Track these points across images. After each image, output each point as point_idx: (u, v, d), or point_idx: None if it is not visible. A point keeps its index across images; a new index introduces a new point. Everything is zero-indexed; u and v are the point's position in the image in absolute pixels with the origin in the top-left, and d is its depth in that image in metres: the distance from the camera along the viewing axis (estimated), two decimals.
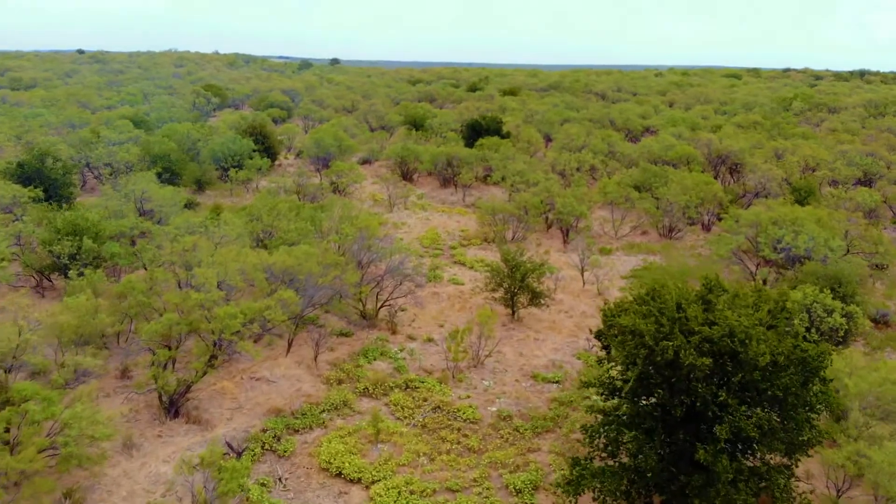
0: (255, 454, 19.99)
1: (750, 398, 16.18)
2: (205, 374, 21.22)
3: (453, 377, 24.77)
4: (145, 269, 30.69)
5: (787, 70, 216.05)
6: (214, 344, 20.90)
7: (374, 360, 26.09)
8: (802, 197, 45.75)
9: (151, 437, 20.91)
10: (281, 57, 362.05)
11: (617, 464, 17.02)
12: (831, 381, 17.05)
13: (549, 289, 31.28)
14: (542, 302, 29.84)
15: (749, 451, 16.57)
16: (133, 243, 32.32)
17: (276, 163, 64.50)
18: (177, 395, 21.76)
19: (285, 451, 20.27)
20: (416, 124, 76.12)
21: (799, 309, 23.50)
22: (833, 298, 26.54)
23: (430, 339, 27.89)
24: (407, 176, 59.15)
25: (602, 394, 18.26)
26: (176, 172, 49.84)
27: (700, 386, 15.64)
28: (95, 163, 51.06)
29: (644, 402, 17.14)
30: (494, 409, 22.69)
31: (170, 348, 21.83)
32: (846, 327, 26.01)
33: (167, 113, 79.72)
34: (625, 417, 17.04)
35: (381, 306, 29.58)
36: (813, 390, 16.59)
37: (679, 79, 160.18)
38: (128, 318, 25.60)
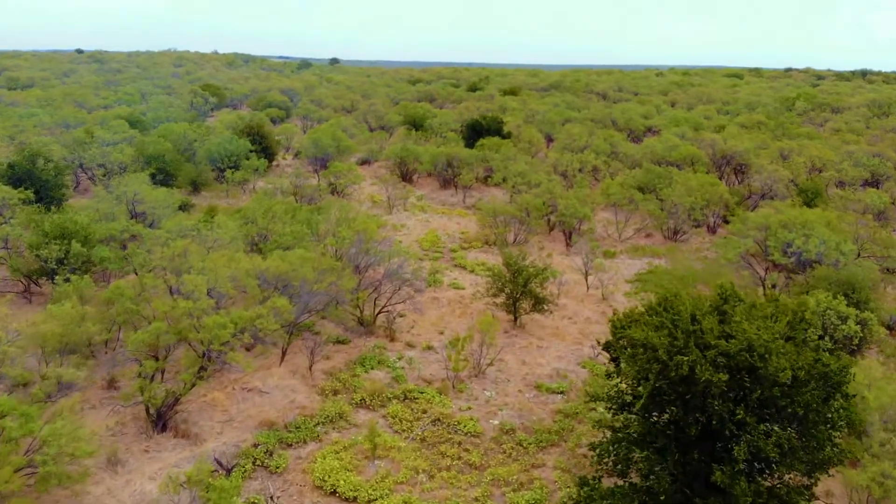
0: (245, 471, 19.06)
1: (769, 415, 15.24)
2: (193, 386, 20.28)
3: (453, 387, 23.83)
4: (136, 274, 29.79)
5: (788, 70, 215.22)
6: (203, 355, 19.94)
7: (372, 368, 25.16)
8: (809, 198, 44.84)
9: (138, 453, 19.97)
10: (281, 57, 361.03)
11: (627, 484, 16.08)
12: (854, 396, 16.10)
13: (553, 294, 30.34)
14: (546, 308, 28.90)
15: (767, 472, 15.62)
16: (124, 247, 31.37)
17: (274, 163, 63.54)
18: (164, 407, 20.82)
19: (277, 468, 19.34)
20: (416, 124, 75.18)
21: (816, 319, 22.53)
22: (846, 305, 25.66)
23: (429, 347, 26.94)
24: (406, 177, 58.22)
25: (611, 408, 17.33)
26: (170, 173, 48.89)
27: (716, 403, 14.69)
28: (89, 163, 50.11)
29: (656, 417, 16.20)
30: (497, 421, 21.74)
31: (157, 359, 20.90)
32: (861, 335, 25.10)
33: (164, 113, 78.77)
34: (635, 435, 16.08)
35: (379, 312, 28.65)
36: (834, 406, 15.66)
37: (680, 79, 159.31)
38: (116, 326, 24.72)
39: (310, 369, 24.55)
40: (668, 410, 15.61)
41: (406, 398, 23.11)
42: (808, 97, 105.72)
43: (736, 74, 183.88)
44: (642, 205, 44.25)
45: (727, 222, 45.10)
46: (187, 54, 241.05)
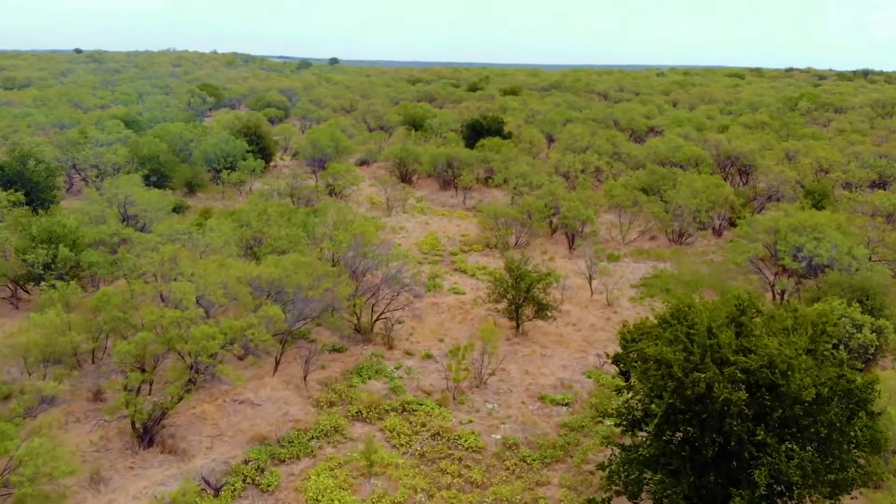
0: (234, 489, 18.10)
1: (789, 435, 14.31)
2: (181, 399, 19.33)
3: (454, 399, 22.88)
4: (126, 279, 28.85)
5: (789, 70, 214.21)
6: (191, 367, 19.00)
7: (369, 378, 24.20)
8: (817, 200, 43.91)
9: (122, 469, 19.01)
10: (280, 57, 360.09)
11: None
12: (879, 414, 15.16)
13: (556, 300, 29.38)
14: (549, 314, 27.95)
15: (788, 494, 14.69)
16: (114, 251, 30.42)
17: (272, 164, 62.60)
18: (151, 422, 19.87)
19: (269, 486, 18.38)
20: (416, 124, 74.22)
21: (838, 330, 21.54)
22: (861, 312, 24.71)
23: (428, 356, 25.99)
24: (406, 178, 57.28)
25: (620, 425, 16.42)
26: (165, 175, 47.92)
27: (735, 423, 13.78)
28: (82, 164, 49.14)
29: (669, 436, 15.26)
30: (499, 436, 20.78)
31: (144, 370, 19.96)
32: (877, 343, 24.16)
33: (161, 113, 77.79)
34: (648, 455, 15.13)
35: (377, 319, 27.70)
36: (858, 425, 14.73)
37: (681, 78, 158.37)
38: (103, 335, 23.79)
39: (304, 380, 23.60)
40: (682, 430, 14.67)
41: (404, 410, 22.16)
42: (811, 97, 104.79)
43: (737, 74, 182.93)
44: (646, 207, 43.29)
45: (733, 225, 44.15)
46: (186, 54, 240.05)
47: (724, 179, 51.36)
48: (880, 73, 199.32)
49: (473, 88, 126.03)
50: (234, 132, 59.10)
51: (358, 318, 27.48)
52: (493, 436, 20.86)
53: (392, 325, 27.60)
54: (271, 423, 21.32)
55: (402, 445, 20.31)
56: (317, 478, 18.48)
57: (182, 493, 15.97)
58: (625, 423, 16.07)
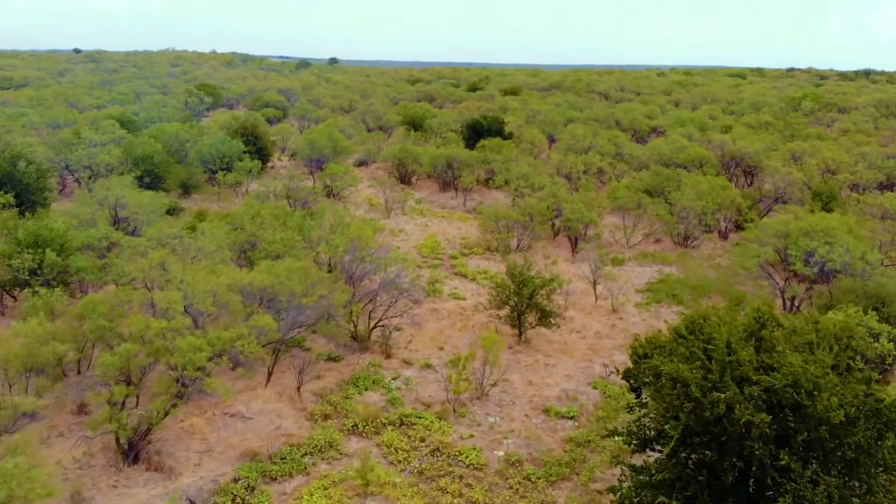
0: None
1: (814, 458, 13.36)
2: (167, 414, 18.36)
3: (454, 411, 21.91)
4: (116, 286, 27.90)
5: (791, 69, 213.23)
6: (177, 380, 18.04)
7: (366, 389, 23.23)
8: (825, 202, 42.97)
9: (105, 489, 18.05)
10: (280, 57, 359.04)
11: None
12: None
13: (560, 306, 28.42)
14: (553, 322, 26.99)
15: None
16: (103, 256, 29.46)
17: (269, 164, 61.67)
18: (136, 437, 18.91)
19: None
20: (415, 124, 73.25)
21: (863, 344, 20.61)
22: (877, 320, 23.76)
23: (428, 365, 25.02)
24: (405, 179, 56.33)
25: (631, 443, 15.47)
26: (159, 176, 46.97)
27: (756, 445, 12.82)
28: (75, 165, 48.18)
29: (684, 457, 14.29)
30: (501, 452, 19.80)
31: (129, 383, 19.01)
32: (894, 353, 23.20)
33: (157, 113, 76.80)
34: (662, 478, 14.17)
35: (375, 326, 26.74)
36: (886, 446, 13.77)
37: (682, 78, 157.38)
38: (89, 344, 22.84)
39: (298, 391, 22.64)
40: (699, 452, 13.71)
41: (402, 424, 21.19)
42: (814, 97, 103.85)
43: (738, 74, 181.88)
44: (651, 209, 42.33)
45: (739, 227, 43.24)
46: (185, 54, 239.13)
47: (729, 181, 50.46)
48: (882, 72, 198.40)
49: (473, 88, 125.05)
50: (230, 132, 58.14)
51: (355, 326, 26.53)
52: (495, 452, 19.88)
53: (390, 332, 26.65)
54: (263, 437, 20.36)
55: (399, 462, 19.35)
56: (310, 497, 17.53)
57: None
58: (636, 442, 15.13)
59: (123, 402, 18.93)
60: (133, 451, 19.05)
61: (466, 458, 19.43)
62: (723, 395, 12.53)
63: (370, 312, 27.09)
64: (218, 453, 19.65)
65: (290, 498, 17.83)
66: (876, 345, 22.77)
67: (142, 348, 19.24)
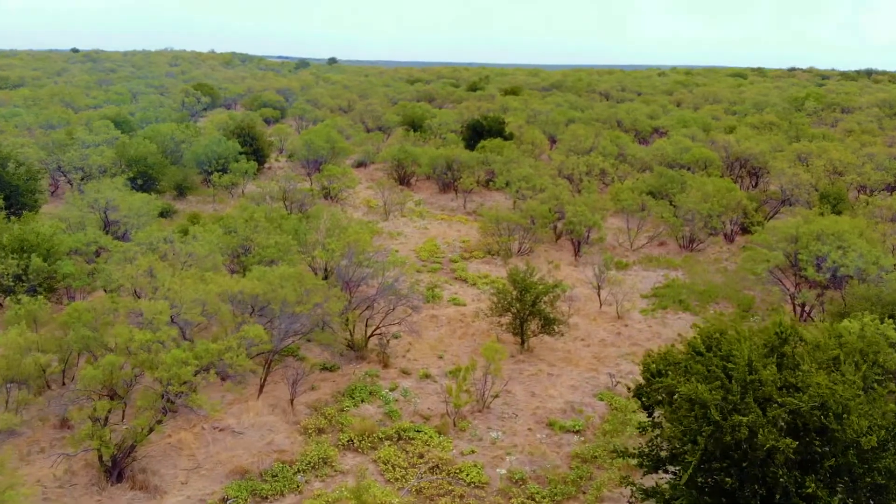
0: None
1: (842, 484, 12.43)
2: (151, 431, 17.42)
3: (454, 425, 20.97)
4: (105, 291, 26.96)
5: (792, 69, 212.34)
6: (163, 395, 17.10)
7: (362, 401, 22.29)
8: (833, 204, 42.04)
9: None
10: (279, 57, 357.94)
11: None
12: None
13: (564, 313, 27.48)
14: (557, 330, 26.05)
15: None
16: (91, 261, 28.52)
17: (266, 166, 60.76)
18: (120, 454, 17.97)
19: None
20: (415, 125, 72.28)
21: (891, 360, 19.65)
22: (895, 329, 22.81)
23: (427, 375, 24.08)
24: (404, 180, 55.41)
25: (642, 465, 14.54)
26: (153, 177, 46.02)
27: (780, 472, 11.88)
28: (67, 167, 47.22)
29: (701, 481, 13.34)
30: (504, 470, 18.84)
31: (112, 398, 18.06)
32: None
33: (153, 113, 75.83)
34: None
35: (372, 335, 25.80)
36: None
37: (683, 78, 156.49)
38: (75, 354, 21.91)
39: (291, 403, 21.70)
40: (717, 477, 12.77)
41: (400, 438, 20.25)
42: (817, 97, 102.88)
43: (740, 74, 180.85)
44: (655, 211, 41.38)
45: (745, 230, 42.32)
46: (184, 54, 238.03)
47: (734, 182, 49.50)
48: (884, 72, 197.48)
49: (473, 88, 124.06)
50: (226, 133, 57.18)
51: (351, 334, 25.59)
52: (497, 469, 18.92)
53: (388, 340, 25.70)
54: (254, 453, 19.41)
55: (397, 480, 18.40)
56: None
57: None
58: (648, 463, 14.20)
59: (107, 418, 17.98)
60: (117, 468, 18.11)
61: (467, 475, 18.49)
62: (745, 419, 11.60)
63: (367, 319, 26.18)
64: (206, 471, 18.71)
65: None
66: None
67: (127, 359, 18.32)
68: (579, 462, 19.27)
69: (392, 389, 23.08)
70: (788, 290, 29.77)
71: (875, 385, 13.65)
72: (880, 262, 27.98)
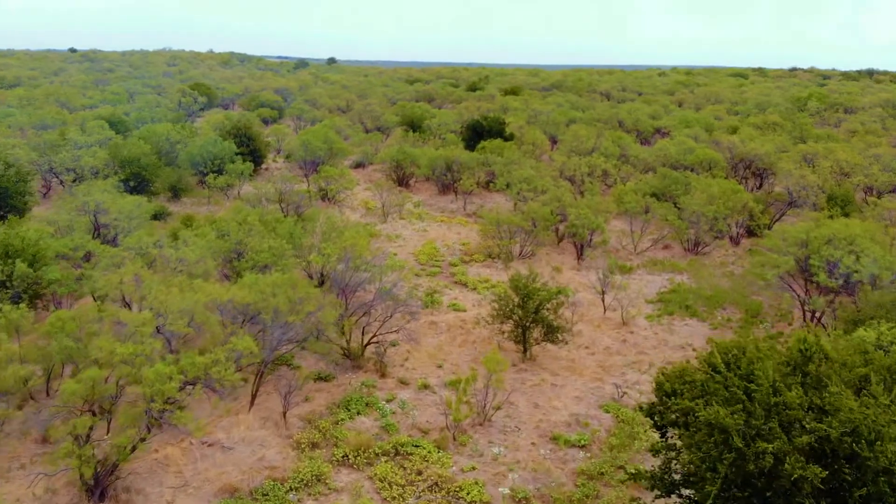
0: None
1: None
2: (134, 450, 16.52)
3: (454, 439, 20.07)
4: (94, 298, 26.06)
5: (793, 69, 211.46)
6: (146, 412, 16.19)
7: (358, 413, 21.39)
8: (841, 206, 41.18)
9: None
10: (279, 57, 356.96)
11: None
12: None
13: (568, 319, 26.57)
14: (560, 338, 25.16)
15: None
16: (79, 266, 27.61)
17: (263, 166, 59.85)
18: (103, 472, 17.06)
19: None
20: (414, 125, 71.41)
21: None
22: None
23: (425, 386, 23.18)
24: (403, 181, 54.51)
25: (654, 488, 13.65)
26: (147, 179, 45.11)
27: (808, 502, 10.99)
28: (59, 168, 46.31)
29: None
30: (507, 489, 17.94)
31: (94, 413, 17.16)
32: None
33: (149, 113, 74.86)
34: None
35: (369, 343, 24.90)
36: None
37: (684, 78, 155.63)
38: (59, 365, 21.01)
39: (284, 416, 20.79)
40: None
41: (398, 454, 19.35)
42: (819, 97, 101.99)
43: (741, 74, 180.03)
44: (659, 213, 40.49)
45: (750, 233, 41.45)
46: (182, 53, 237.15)
47: (739, 184, 48.61)
48: (885, 72, 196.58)
49: (473, 88, 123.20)
50: (222, 133, 56.27)
51: (347, 342, 24.69)
52: (499, 488, 18.01)
53: (385, 349, 24.79)
54: (244, 470, 18.51)
55: (394, 499, 17.49)
56: None
57: None
58: (661, 487, 13.30)
59: (88, 435, 17.06)
60: (99, 487, 17.19)
61: (468, 494, 17.59)
62: (770, 446, 10.72)
63: (364, 327, 25.28)
64: (194, 489, 17.81)
65: None
66: None
67: (110, 373, 17.43)
68: (585, 479, 18.37)
69: (389, 401, 22.18)
70: (798, 295, 28.87)
71: None
72: (894, 267, 27.09)
